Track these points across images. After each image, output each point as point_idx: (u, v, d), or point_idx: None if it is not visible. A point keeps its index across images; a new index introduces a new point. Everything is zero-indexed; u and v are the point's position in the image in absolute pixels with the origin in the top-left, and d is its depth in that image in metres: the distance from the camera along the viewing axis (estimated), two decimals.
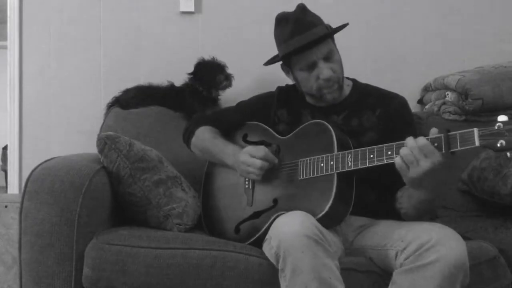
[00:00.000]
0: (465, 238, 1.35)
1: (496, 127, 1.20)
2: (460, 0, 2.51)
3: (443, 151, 1.26)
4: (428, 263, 1.27)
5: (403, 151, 1.30)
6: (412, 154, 1.28)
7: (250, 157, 1.58)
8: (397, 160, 1.31)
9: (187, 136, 1.84)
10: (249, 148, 1.61)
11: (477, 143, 1.21)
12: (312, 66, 1.62)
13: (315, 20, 1.63)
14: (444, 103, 2.29)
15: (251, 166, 1.57)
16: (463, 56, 2.48)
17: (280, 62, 1.73)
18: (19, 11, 2.41)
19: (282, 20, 1.65)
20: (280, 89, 1.83)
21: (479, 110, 2.18)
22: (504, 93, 2.17)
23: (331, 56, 1.62)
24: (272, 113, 1.77)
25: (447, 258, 1.26)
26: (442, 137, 1.27)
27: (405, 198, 1.48)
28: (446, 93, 2.28)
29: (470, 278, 1.32)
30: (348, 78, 1.76)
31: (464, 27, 2.51)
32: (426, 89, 2.44)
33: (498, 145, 1.19)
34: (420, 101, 2.47)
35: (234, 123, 1.82)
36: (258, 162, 1.56)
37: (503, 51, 2.49)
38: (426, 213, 1.49)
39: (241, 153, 1.61)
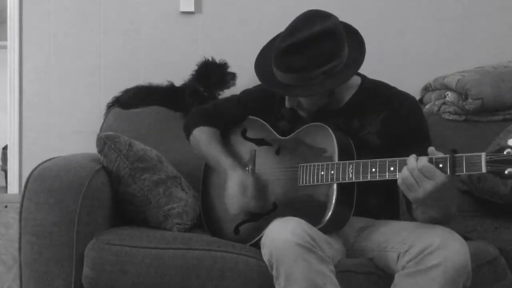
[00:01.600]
0: (465, 238, 1.35)
1: (505, 153, 1.14)
2: (460, 0, 2.51)
3: (448, 173, 1.21)
4: (431, 266, 1.25)
5: (403, 172, 1.26)
6: (412, 176, 1.24)
7: (231, 199, 1.58)
8: (398, 180, 1.28)
9: (187, 132, 1.82)
10: (233, 191, 1.57)
11: (483, 170, 1.15)
12: None
13: (295, 65, 1.48)
14: (444, 103, 2.29)
15: (230, 208, 1.59)
16: (463, 56, 2.48)
17: None
18: (19, 11, 2.41)
19: (288, 30, 1.52)
20: None
21: (479, 110, 2.18)
22: (504, 93, 2.17)
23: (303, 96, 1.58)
24: (275, 108, 1.73)
25: (450, 261, 1.24)
26: (448, 159, 1.21)
27: (419, 213, 1.43)
28: (446, 93, 2.28)
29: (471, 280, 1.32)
30: (358, 74, 1.68)
31: (464, 27, 2.50)
32: (426, 89, 2.44)
33: (506, 172, 1.13)
34: (420, 101, 2.47)
35: (234, 118, 1.79)
36: (233, 211, 1.59)
37: (503, 51, 2.48)
38: (443, 224, 1.42)
39: (229, 181, 1.59)
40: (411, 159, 1.25)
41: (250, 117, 1.76)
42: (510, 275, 1.54)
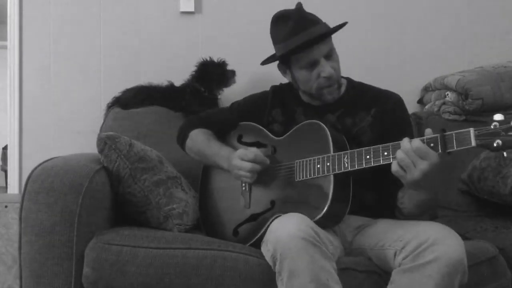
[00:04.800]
0: (465, 238, 1.35)
1: (492, 127, 1.19)
2: (460, 0, 2.51)
3: (439, 151, 1.25)
4: (426, 262, 1.27)
5: (399, 154, 1.29)
6: (408, 157, 1.27)
7: (240, 160, 1.57)
8: (393, 164, 1.30)
9: (182, 138, 1.83)
10: (240, 151, 1.59)
11: (473, 143, 1.20)
12: (313, 64, 1.60)
13: (315, 18, 1.63)
14: (444, 103, 2.29)
15: (241, 169, 1.57)
16: (463, 56, 2.48)
17: (277, 62, 1.72)
18: (19, 11, 2.41)
19: (280, 18, 1.64)
20: (274, 88, 1.82)
21: (479, 110, 2.18)
22: (504, 93, 2.18)
23: (331, 54, 1.62)
24: (266, 113, 1.76)
25: (445, 257, 1.26)
26: (438, 138, 1.25)
27: (406, 199, 1.48)
28: (446, 93, 2.28)
29: (470, 278, 1.32)
30: (342, 77, 1.74)
31: (464, 27, 2.51)
32: (426, 89, 2.45)
33: (495, 144, 1.18)
34: (420, 101, 2.47)
35: (228, 124, 1.81)
36: (248, 165, 1.56)
37: (503, 51, 2.49)
38: (428, 211, 1.48)
39: (234, 155, 1.61)
40: (405, 142, 1.29)
41: (244, 123, 1.78)
42: (509, 274, 1.54)
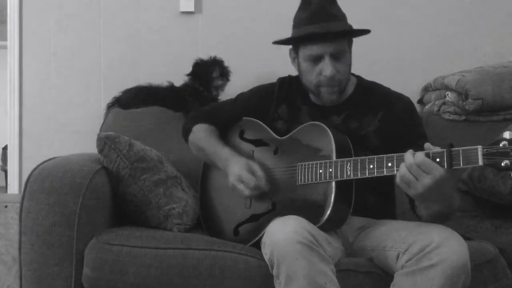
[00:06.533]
0: (465, 238, 1.35)
1: (501, 145, 1.15)
2: (460, 0, 2.51)
3: (445, 167, 1.22)
4: (430, 265, 1.26)
5: (401, 170, 1.26)
6: (410, 173, 1.24)
7: (240, 183, 1.55)
8: (397, 177, 1.28)
9: (185, 133, 1.83)
10: (240, 173, 1.55)
11: (480, 163, 1.16)
12: (317, 59, 1.56)
13: (339, 15, 1.58)
14: (444, 103, 2.29)
15: (241, 191, 1.55)
16: (463, 56, 2.48)
17: (289, 48, 1.68)
18: (19, 11, 2.41)
19: (304, 2, 1.59)
20: (281, 81, 1.77)
21: (479, 110, 2.18)
22: (504, 93, 2.17)
23: (340, 56, 1.56)
24: (272, 109, 1.73)
25: (449, 260, 1.25)
26: (445, 153, 1.22)
27: (422, 208, 1.44)
28: (446, 93, 2.28)
29: (470, 279, 1.32)
30: (353, 75, 1.70)
31: (464, 27, 2.51)
32: (426, 89, 2.44)
33: (503, 164, 1.14)
34: (420, 101, 2.47)
35: (231, 119, 1.79)
36: (248, 192, 1.54)
37: (503, 51, 2.49)
38: (447, 219, 1.44)
39: (232, 171, 1.58)
40: (408, 155, 1.25)
41: (247, 118, 1.76)
42: (510, 275, 1.54)
